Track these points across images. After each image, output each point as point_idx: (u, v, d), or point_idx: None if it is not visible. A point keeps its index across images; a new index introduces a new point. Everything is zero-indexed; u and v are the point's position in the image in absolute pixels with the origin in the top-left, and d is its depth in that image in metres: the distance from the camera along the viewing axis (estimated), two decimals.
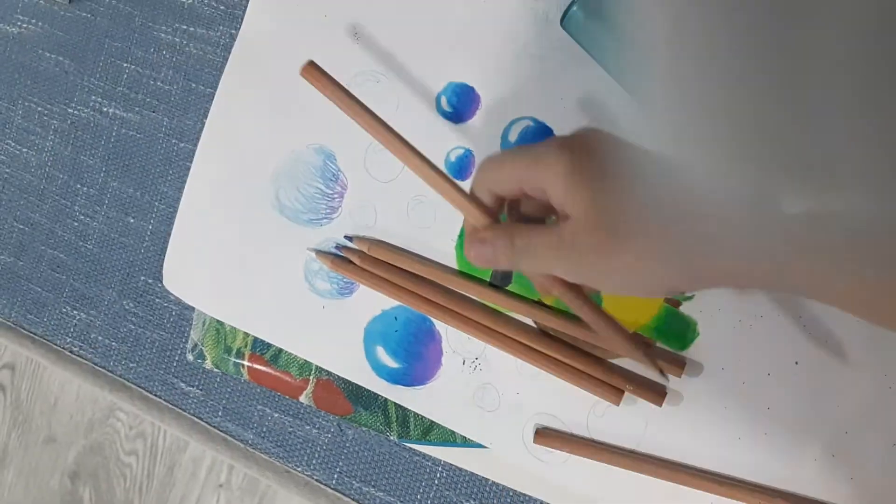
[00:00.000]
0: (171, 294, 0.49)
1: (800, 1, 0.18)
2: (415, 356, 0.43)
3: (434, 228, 0.43)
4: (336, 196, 0.45)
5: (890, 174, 0.21)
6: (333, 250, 0.44)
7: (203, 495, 0.90)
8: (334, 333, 0.44)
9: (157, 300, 0.50)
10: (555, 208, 0.31)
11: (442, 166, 0.43)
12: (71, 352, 0.52)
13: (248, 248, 0.46)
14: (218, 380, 0.49)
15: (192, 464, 0.90)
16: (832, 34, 0.18)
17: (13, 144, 0.54)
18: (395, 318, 0.43)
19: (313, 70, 0.37)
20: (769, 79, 0.21)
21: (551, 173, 0.30)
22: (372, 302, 0.44)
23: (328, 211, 0.45)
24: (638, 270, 0.29)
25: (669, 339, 0.39)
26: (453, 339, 0.43)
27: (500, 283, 0.38)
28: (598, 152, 0.30)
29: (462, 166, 0.43)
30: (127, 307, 0.51)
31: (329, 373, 0.45)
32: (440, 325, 0.43)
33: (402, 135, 0.37)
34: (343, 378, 0.45)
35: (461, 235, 0.43)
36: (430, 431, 0.43)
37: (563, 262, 0.30)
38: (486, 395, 0.42)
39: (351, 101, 0.37)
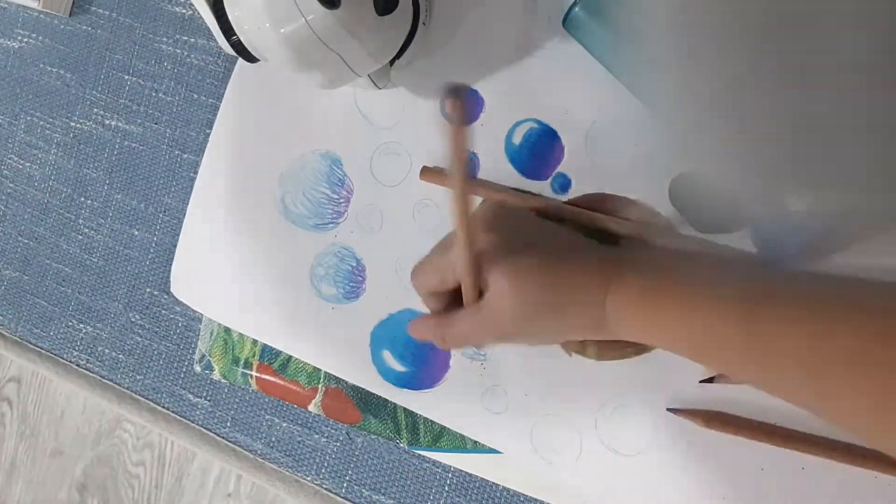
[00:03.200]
0: (178, 304, 0.49)
1: (803, 10, 0.18)
2: (422, 360, 0.43)
3: (440, 231, 0.43)
4: (342, 201, 0.45)
5: (889, 174, 0.21)
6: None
7: None
8: (341, 338, 0.44)
9: (164, 312, 0.50)
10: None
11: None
12: (78, 365, 0.52)
13: (255, 253, 0.46)
14: (226, 390, 0.48)
15: (200, 474, 0.90)
16: (838, 39, 0.18)
17: (16, 159, 0.54)
18: (403, 322, 0.43)
19: (429, 172, 0.42)
20: (774, 81, 0.21)
21: (459, 264, 0.33)
22: (378, 306, 0.44)
23: (334, 216, 0.45)
24: (554, 332, 0.35)
25: None
26: None
27: None
28: (500, 229, 0.34)
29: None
30: (133, 319, 0.51)
31: (338, 381, 0.45)
32: None
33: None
34: (352, 386, 0.44)
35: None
36: (441, 438, 0.43)
37: (488, 337, 0.35)
38: (494, 397, 0.42)
39: (477, 186, 0.40)
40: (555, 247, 0.34)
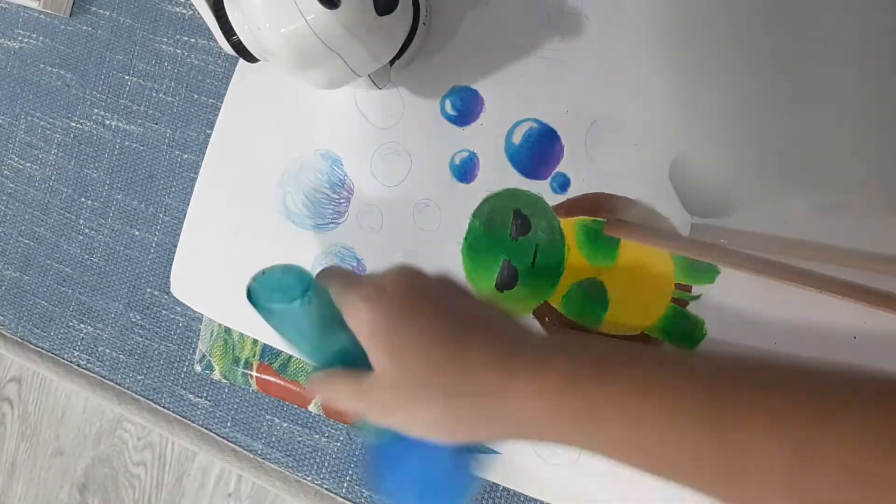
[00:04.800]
0: (178, 304, 0.49)
1: (802, 15, 0.18)
2: None
3: (440, 231, 0.43)
4: (342, 201, 0.45)
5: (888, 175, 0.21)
6: None
7: None
8: None
9: (164, 312, 0.50)
10: None
11: (447, 169, 0.43)
12: (79, 365, 0.52)
13: (255, 254, 0.46)
14: (226, 390, 0.48)
15: (200, 474, 0.90)
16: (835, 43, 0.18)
17: (17, 159, 0.54)
18: None
19: (615, 226, 0.39)
20: (772, 84, 0.21)
21: (356, 326, 0.30)
22: None
23: (335, 216, 0.45)
24: (434, 424, 0.29)
25: (677, 339, 0.39)
26: None
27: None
28: (398, 307, 0.29)
29: (466, 169, 0.43)
30: (134, 319, 0.51)
31: None
32: None
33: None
34: None
35: (467, 238, 0.43)
36: None
37: (370, 412, 0.30)
38: None
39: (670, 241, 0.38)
40: (456, 328, 0.29)
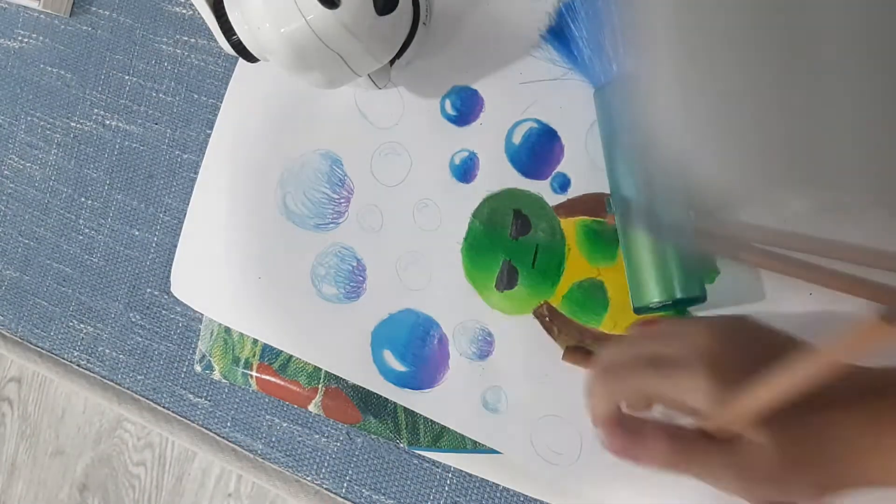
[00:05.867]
0: (178, 304, 0.49)
1: (802, 13, 0.18)
2: (422, 359, 0.43)
3: (440, 231, 0.43)
4: (342, 201, 0.45)
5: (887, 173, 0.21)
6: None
7: None
8: (342, 338, 0.44)
9: (164, 312, 0.50)
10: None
11: (447, 169, 0.43)
12: (79, 365, 0.52)
13: (255, 253, 0.46)
14: (226, 390, 0.48)
15: (200, 474, 0.90)
16: (833, 41, 0.18)
17: (16, 159, 0.54)
18: (403, 322, 0.43)
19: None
20: (774, 80, 0.21)
21: (697, 397, 0.28)
22: (379, 306, 0.44)
23: (335, 216, 0.45)
24: (811, 493, 0.29)
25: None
26: (460, 342, 0.42)
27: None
28: (752, 365, 0.27)
29: (467, 169, 0.43)
30: (134, 319, 0.51)
31: (338, 381, 0.45)
32: (447, 329, 0.43)
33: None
34: (352, 386, 0.45)
35: (467, 238, 0.43)
36: (441, 438, 0.43)
37: (738, 483, 0.29)
38: (494, 397, 0.42)
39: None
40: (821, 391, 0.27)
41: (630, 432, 0.30)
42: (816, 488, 0.29)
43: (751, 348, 0.29)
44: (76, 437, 0.98)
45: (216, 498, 0.91)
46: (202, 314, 0.48)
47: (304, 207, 0.46)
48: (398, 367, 0.43)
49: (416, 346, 0.43)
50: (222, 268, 0.47)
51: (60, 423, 0.98)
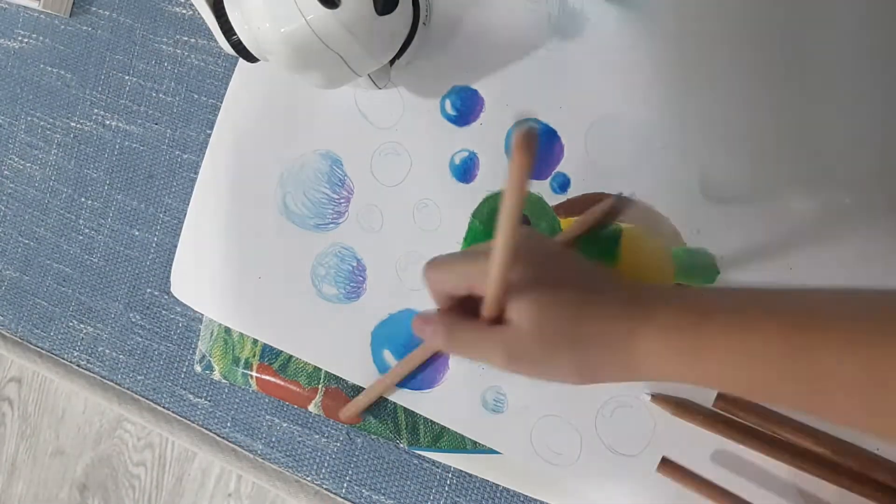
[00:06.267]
0: (178, 304, 0.49)
1: (803, 15, 0.18)
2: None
3: (440, 231, 0.43)
4: (342, 201, 0.45)
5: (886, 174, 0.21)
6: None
7: None
8: (342, 338, 0.44)
9: (164, 312, 0.50)
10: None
11: (447, 169, 0.43)
12: (79, 365, 0.52)
13: (255, 253, 0.46)
14: (226, 390, 0.48)
15: (200, 474, 0.90)
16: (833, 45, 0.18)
17: (16, 159, 0.54)
18: (403, 322, 0.43)
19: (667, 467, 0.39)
20: (775, 83, 0.21)
21: (482, 279, 0.31)
22: (379, 306, 0.44)
23: (335, 216, 0.45)
24: (567, 372, 0.32)
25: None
26: None
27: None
28: (532, 260, 0.32)
29: (467, 169, 0.43)
30: (134, 320, 0.51)
31: (338, 381, 0.45)
32: None
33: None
34: (352, 386, 0.45)
35: (467, 238, 0.43)
36: (441, 438, 0.43)
37: (499, 360, 0.32)
38: (494, 397, 0.42)
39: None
40: (584, 283, 0.33)
41: (424, 317, 0.34)
42: (575, 370, 0.31)
43: (538, 250, 0.33)
44: (76, 437, 0.98)
45: (216, 498, 0.91)
46: (202, 314, 0.48)
47: (304, 207, 0.46)
48: None
49: (416, 346, 0.43)
50: (222, 268, 0.47)
51: (60, 423, 0.98)
